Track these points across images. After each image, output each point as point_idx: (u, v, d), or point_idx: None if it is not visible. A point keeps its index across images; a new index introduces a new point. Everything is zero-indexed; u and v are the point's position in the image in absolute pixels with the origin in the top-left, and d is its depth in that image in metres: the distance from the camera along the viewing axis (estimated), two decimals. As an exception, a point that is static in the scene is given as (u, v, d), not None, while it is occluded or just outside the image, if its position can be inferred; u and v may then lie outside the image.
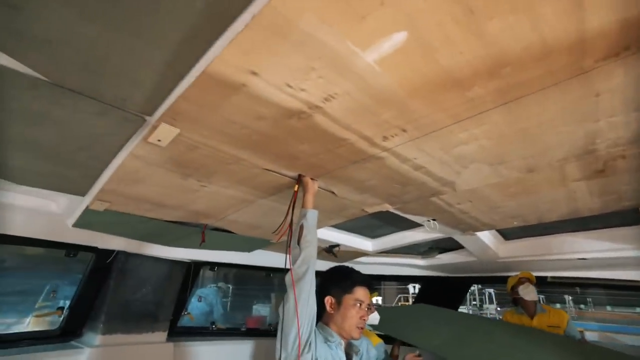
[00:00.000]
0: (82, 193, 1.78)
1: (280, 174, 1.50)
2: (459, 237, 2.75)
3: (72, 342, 2.54)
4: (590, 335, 10.01)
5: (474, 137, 1.17)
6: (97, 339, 2.49)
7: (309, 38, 0.77)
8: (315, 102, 0.97)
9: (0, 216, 1.95)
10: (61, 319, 2.59)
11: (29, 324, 3.01)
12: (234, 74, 0.87)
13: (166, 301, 2.90)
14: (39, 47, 0.86)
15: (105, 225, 2.16)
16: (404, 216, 2.29)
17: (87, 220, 1.98)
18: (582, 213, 2.12)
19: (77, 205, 1.90)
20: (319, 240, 2.78)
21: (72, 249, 2.38)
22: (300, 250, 1.34)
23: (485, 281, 4.52)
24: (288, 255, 1.36)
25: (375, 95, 0.94)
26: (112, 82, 0.99)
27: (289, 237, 1.43)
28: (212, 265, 3.21)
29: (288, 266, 1.35)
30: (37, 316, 2.99)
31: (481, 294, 10.72)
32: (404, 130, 1.11)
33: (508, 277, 2.95)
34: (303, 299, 1.27)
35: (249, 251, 3.04)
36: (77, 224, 2.05)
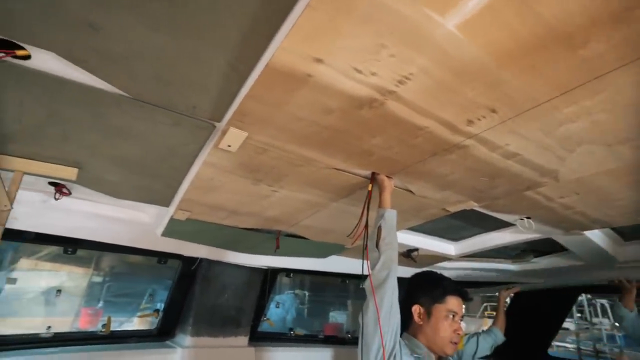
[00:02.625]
0: (167, 204, 1.91)
1: (352, 173, 1.41)
2: (561, 238, 2.36)
3: (167, 342, 2.75)
4: None
5: (586, 110, 0.95)
6: (187, 340, 2.66)
7: (376, 9, 0.67)
8: (388, 86, 0.87)
9: (107, 228, 2.19)
10: (157, 320, 2.84)
11: (135, 323, 3.38)
12: (298, 64, 0.82)
13: (246, 307, 3.00)
14: (117, 63, 0.91)
15: (188, 234, 2.29)
16: (491, 215, 2.03)
17: (172, 229, 2.12)
18: None
19: (163, 215, 2.05)
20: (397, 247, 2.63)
21: (163, 257, 2.59)
22: (379, 253, 1.24)
23: (597, 290, 3.85)
24: (366, 260, 1.26)
25: (458, 69, 0.80)
26: (182, 90, 1.01)
27: (365, 241, 1.33)
28: (287, 271, 3.24)
29: (366, 271, 1.25)
30: (140, 317, 3.34)
31: (590, 305, 9.18)
32: (493, 111, 0.95)
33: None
34: (385, 306, 1.16)
35: (323, 257, 3.00)
36: (164, 233, 2.21)
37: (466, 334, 2.39)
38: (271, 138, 1.16)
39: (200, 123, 1.16)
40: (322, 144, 1.18)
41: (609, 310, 8.74)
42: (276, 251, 2.40)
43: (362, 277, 1.25)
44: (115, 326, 2.75)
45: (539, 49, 0.75)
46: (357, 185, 1.50)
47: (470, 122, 1.00)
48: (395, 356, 1.13)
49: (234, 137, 1.14)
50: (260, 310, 3.16)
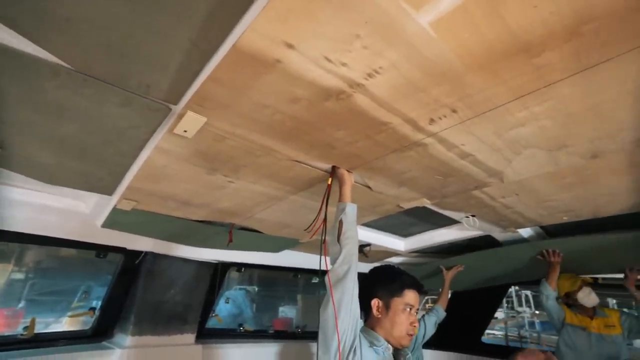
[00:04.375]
0: (110, 192, 1.75)
1: (312, 166, 1.39)
2: (499, 235, 2.56)
3: (104, 343, 2.54)
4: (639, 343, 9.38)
5: (534, 116, 1.02)
6: (127, 340, 2.48)
7: (354, -3, 0.66)
8: (357, 79, 0.87)
9: (37, 218, 1.95)
10: (93, 319, 2.60)
11: (64, 324, 3.07)
12: (268, 48, 0.78)
13: (194, 303, 2.87)
14: (58, 27, 0.80)
15: (132, 226, 2.13)
16: (440, 212, 2.14)
17: (115, 221, 1.95)
18: (645, 206, 1.91)
19: (105, 204, 1.88)
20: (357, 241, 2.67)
21: (102, 250, 2.38)
22: (340, 247, 1.24)
23: (524, 282, 4.26)
24: (324, 255, 1.26)
25: (428, 67, 0.82)
26: (135, 66, 0.91)
27: (323, 235, 1.33)
28: (239, 266, 3.15)
29: (325, 266, 1.25)
30: (71, 316, 3.04)
31: (517, 296, 10.20)
32: (454, 111, 0.98)
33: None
34: (346, 300, 1.17)
35: (276, 251, 2.96)
36: (105, 224, 2.03)
37: None
38: (232, 125, 1.11)
39: (154, 104, 1.07)
40: (285, 134, 1.15)
41: (531, 300, 9.78)
42: (229, 245, 2.32)
43: (316, 272, 1.25)
44: (40, 328, 2.47)
45: (502, 54, 0.79)
46: (317, 179, 1.49)
47: (432, 121, 1.03)
48: (355, 349, 1.14)
49: (191, 122, 1.07)
50: (208, 306, 3.04)
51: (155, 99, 1.05)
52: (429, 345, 3.30)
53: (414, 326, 1.26)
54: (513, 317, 10.33)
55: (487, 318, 3.90)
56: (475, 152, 1.23)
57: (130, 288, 2.61)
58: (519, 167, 1.39)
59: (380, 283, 1.31)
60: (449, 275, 2.95)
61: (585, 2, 0.66)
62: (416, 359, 2.65)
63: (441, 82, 0.87)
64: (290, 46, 0.78)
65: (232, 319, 5.06)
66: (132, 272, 2.57)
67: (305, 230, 1.50)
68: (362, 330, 1.25)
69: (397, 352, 1.29)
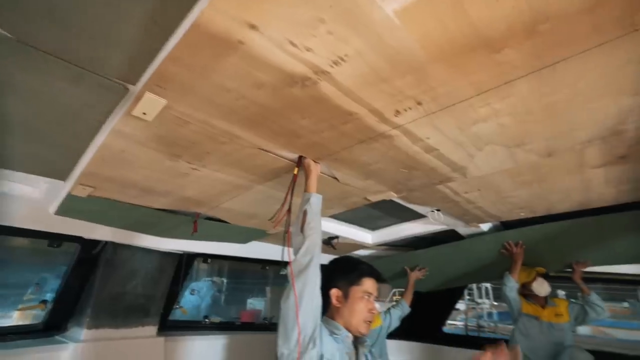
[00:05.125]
0: (63, 177, 1.64)
1: (278, 155, 1.37)
2: (462, 230, 2.65)
3: (57, 337, 2.40)
4: (583, 329, 10.14)
5: (495, 112, 1.05)
6: (82, 333, 2.36)
7: (318, -21, 0.64)
8: (322, 65, 0.85)
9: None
10: (45, 312, 2.46)
11: (14, 319, 2.89)
12: (229, 27, 0.75)
13: (157, 294, 2.78)
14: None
15: (89, 213, 2.02)
16: (406, 206, 2.18)
17: (69, 208, 1.84)
18: (593, 204, 2.04)
19: (58, 190, 1.76)
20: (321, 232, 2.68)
21: (55, 239, 2.24)
22: (304, 238, 1.23)
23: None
24: (287, 246, 1.25)
25: (392, 57, 0.82)
26: (86, 38, 0.85)
27: (287, 226, 1.31)
28: (205, 257, 3.08)
29: (287, 257, 1.24)
30: (21, 310, 2.87)
31: (478, 288, 10.71)
32: (419, 103, 0.99)
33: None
34: (308, 291, 1.16)
35: (244, 242, 2.92)
36: (59, 212, 1.91)
37: (380, 312, 2.76)
38: (194, 109, 1.06)
39: (109, 83, 1.01)
40: (250, 120, 1.12)
41: (490, 292, 10.32)
42: (193, 235, 2.26)
43: (283, 264, 1.24)
44: (-17, 323, 2.31)
45: (465, 47, 0.80)
46: (283, 169, 1.47)
47: (397, 112, 1.04)
48: (315, 339, 1.15)
49: (151, 104, 1.01)
50: (172, 297, 2.96)
51: (111, 77, 0.99)
52: (392, 335, 3.40)
53: (372, 313, 1.28)
54: (473, 308, 10.85)
55: (448, 309, 4.05)
56: (439, 146, 1.25)
57: (87, 279, 2.48)
58: (481, 163, 1.44)
59: (339, 273, 1.31)
60: (412, 276, 3.09)
61: (541, 1, 0.68)
62: (380, 349, 2.73)
63: (406, 73, 0.87)
64: (253, 27, 0.75)
65: (198, 311, 4.99)
66: (90, 262, 2.44)
67: (269, 220, 1.48)
68: (322, 320, 1.25)
69: (357, 340, 1.30)
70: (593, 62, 0.84)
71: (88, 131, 1.27)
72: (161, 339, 2.71)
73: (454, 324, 10.35)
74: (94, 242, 2.39)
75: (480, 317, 10.34)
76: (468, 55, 0.82)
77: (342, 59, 0.82)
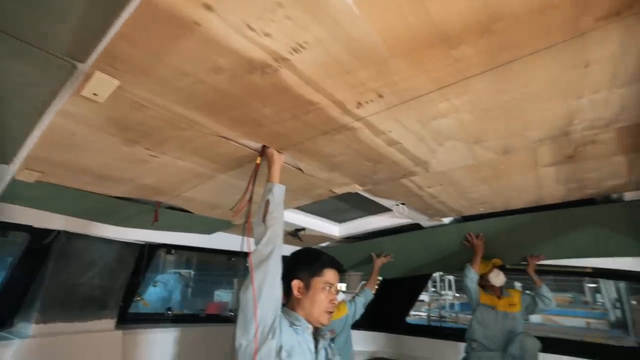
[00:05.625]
0: (6, 160, 1.53)
1: (241, 144, 1.34)
2: (426, 224, 2.73)
3: (0, 334, 2.25)
4: (535, 318, 10.89)
5: (455, 108, 1.08)
6: (30, 328, 2.22)
7: (275, -39, 0.62)
8: (282, 52, 0.83)
9: None
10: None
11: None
12: (184, 7, 0.71)
13: (116, 286, 2.66)
14: None
15: (38, 201, 1.90)
16: (372, 199, 2.21)
17: (15, 194, 1.72)
18: (545, 201, 2.15)
19: (1, 175, 1.64)
20: (285, 223, 2.67)
21: (0, 229, 2.09)
22: (265, 228, 1.22)
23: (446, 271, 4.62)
24: (247, 236, 1.23)
25: (353, 47, 0.81)
26: (25, 9, 0.78)
27: (247, 216, 1.29)
28: (168, 247, 2.99)
29: (247, 248, 1.22)
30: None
31: (441, 280, 11.15)
32: (380, 96, 1.00)
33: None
34: (268, 282, 1.15)
35: (209, 233, 2.86)
36: (3, 198, 1.78)
37: (345, 301, 2.82)
38: (151, 93, 1.01)
39: (55, 59, 0.93)
40: (210, 107, 1.08)
41: (453, 284, 10.78)
42: (154, 225, 2.18)
43: (244, 254, 1.22)
44: None
45: (424, 41, 0.80)
46: (247, 158, 1.44)
47: (359, 104, 1.04)
48: (275, 330, 1.14)
49: (102, 85, 0.95)
50: (132, 289, 2.85)
51: (56, 52, 0.91)
52: (357, 326, 3.47)
53: (333, 304, 1.28)
54: (437, 299, 11.30)
55: (411, 301, 4.18)
56: (401, 140, 1.27)
57: (37, 271, 2.33)
58: (442, 158, 1.47)
59: (301, 264, 1.31)
60: (378, 262, 3.11)
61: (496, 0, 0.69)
62: (346, 337, 2.77)
63: (367, 64, 0.87)
64: (208, 7, 0.72)
65: (162, 303, 4.86)
66: (40, 253, 2.30)
67: (230, 209, 1.45)
68: (282, 312, 1.25)
69: (317, 332, 1.31)
70: (543, 64, 0.87)
71: (33, 111, 1.18)
72: (119, 333, 2.61)
73: (418, 314, 10.75)
74: (45, 232, 2.25)
75: (442, 308, 10.81)
76: (428, 50, 0.83)
77: (301, 46, 0.81)
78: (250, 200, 1.34)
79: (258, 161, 1.36)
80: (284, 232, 2.53)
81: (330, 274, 1.29)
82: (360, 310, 2.92)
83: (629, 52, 0.84)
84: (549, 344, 2.95)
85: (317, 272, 1.28)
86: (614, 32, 0.77)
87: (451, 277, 10.75)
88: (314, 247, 1.50)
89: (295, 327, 1.22)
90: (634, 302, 8.53)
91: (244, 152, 1.40)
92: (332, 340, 2.69)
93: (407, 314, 4.14)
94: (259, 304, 1.12)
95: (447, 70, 0.89)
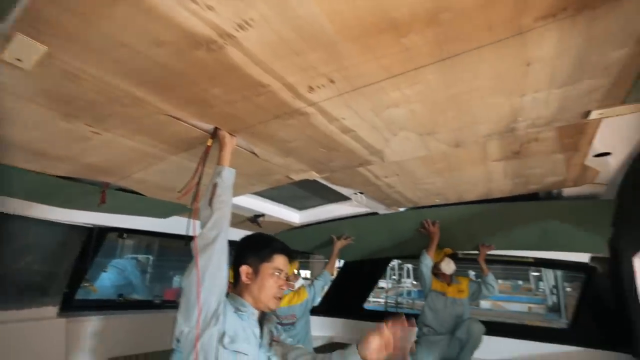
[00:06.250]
0: None
1: (192, 125, 1.28)
2: (383, 213, 2.79)
3: None
4: (484, 304, 11.70)
5: (406, 98, 1.09)
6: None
7: None
8: (227, 28, 0.79)
9: None
10: None
11: None
12: (113, -33, 0.65)
13: (59, 271, 2.51)
14: None
15: (-34, 177, 1.73)
16: (331, 187, 2.22)
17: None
18: (494, 195, 2.26)
19: None
20: (242, 208, 2.62)
21: None
22: (211, 211, 1.19)
23: (402, 256, 4.79)
24: (194, 219, 1.20)
25: (300, 27, 0.79)
26: None
27: (195, 198, 1.25)
28: (120, 231, 2.84)
29: (194, 231, 1.19)
30: None
31: (400, 269, 11.58)
32: (332, 81, 0.99)
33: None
34: (213, 266, 1.13)
35: (164, 217, 2.75)
36: None
37: (305, 286, 2.86)
38: (86, 63, 0.94)
39: (-32, 17, 0.83)
40: (155, 83, 1.02)
41: (411, 273, 11.24)
42: (101, 207, 2.06)
43: (188, 238, 1.18)
44: None
45: (373, 27, 0.79)
46: (199, 140, 1.38)
47: (311, 89, 1.02)
48: (218, 317, 1.12)
49: (25, 49, 0.86)
50: (79, 275, 2.69)
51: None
52: (316, 312, 3.53)
53: (282, 289, 1.28)
54: (399, 287, 11.76)
55: (369, 288, 4.30)
56: (355, 128, 1.27)
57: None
58: (396, 148, 1.50)
59: (250, 250, 1.30)
60: (337, 245, 3.16)
61: None
62: (305, 322, 2.81)
63: (316, 47, 0.85)
64: (142, -29, 0.66)
65: (116, 289, 4.66)
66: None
67: (177, 191, 1.40)
68: (229, 297, 1.23)
69: (263, 317, 1.31)
70: (488, 59, 0.89)
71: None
72: (62, 320, 2.47)
73: (378, 301, 11.14)
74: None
75: (400, 295, 11.27)
76: (377, 36, 0.82)
77: (247, 23, 0.77)
78: (198, 183, 1.30)
79: (209, 143, 1.31)
80: (242, 218, 2.50)
81: (280, 260, 1.29)
82: (319, 293, 2.97)
83: (565, 54, 0.89)
84: (494, 328, 3.17)
85: (267, 258, 1.27)
86: (551, 33, 0.81)
87: (410, 266, 11.19)
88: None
89: (240, 313, 1.21)
90: (568, 289, 9.35)
91: (195, 134, 1.35)
92: (293, 324, 2.73)
93: (364, 300, 4.26)
94: (202, 289, 1.10)
95: (398, 58, 0.89)
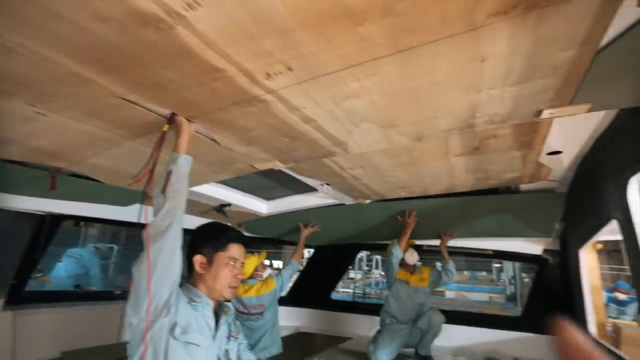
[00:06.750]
0: None
1: (147, 109, 1.22)
2: (351, 204, 2.82)
3: None
4: (449, 294, 12.22)
5: (366, 89, 1.08)
6: None
7: None
8: (175, 6, 0.75)
9: None
10: None
11: None
12: None
13: (6, 262, 2.36)
14: None
15: None
16: (298, 178, 2.21)
17: None
18: (457, 189, 2.33)
19: None
20: (208, 197, 2.56)
21: None
22: (164, 199, 1.14)
23: (371, 248, 4.87)
24: (145, 206, 1.15)
25: (254, 12, 0.76)
26: None
27: (148, 185, 1.20)
28: (75, 219, 2.71)
29: (145, 219, 1.14)
30: None
31: (369, 260, 11.81)
32: (290, 69, 0.96)
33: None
34: (164, 256, 1.09)
35: (124, 205, 2.64)
36: None
37: (272, 275, 2.84)
38: (21, 36, 0.86)
39: None
40: (103, 63, 0.96)
41: (380, 264, 11.50)
42: (52, 193, 1.95)
43: (139, 225, 1.14)
44: None
45: (328, 15, 0.78)
46: (156, 125, 1.32)
47: (268, 76, 0.99)
48: (170, 307, 1.09)
49: (-54, 15, 0.78)
50: (29, 265, 2.54)
51: None
52: (284, 302, 3.54)
53: (238, 279, 1.26)
54: (368, 277, 12.01)
55: (337, 278, 4.36)
56: (317, 118, 1.26)
57: None
58: (359, 140, 1.50)
59: (204, 239, 1.26)
60: (304, 232, 3.17)
61: None
62: (273, 311, 2.80)
63: (271, 33, 0.82)
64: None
65: (74, 280, 4.44)
66: None
67: (131, 178, 1.34)
68: (183, 288, 1.20)
69: (220, 308, 1.29)
70: (444, 54, 0.90)
71: None
72: (8, 314, 2.33)
73: (347, 291, 11.35)
74: None
75: (369, 285, 11.54)
76: (333, 24, 0.80)
77: (196, 3, 0.73)
78: (152, 169, 1.25)
79: (165, 129, 1.26)
80: (208, 207, 2.43)
81: (235, 249, 1.26)
82: (287, 282, 2.97)
83: (517, 53, 0.91)
84: (454, 316, 3.32)
85: (222, 247, 1.24)
86: (503, 31, 0.82)
87: (378, 257, 11.44)
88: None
89: (193, 303, 1.18)
90: (526, 280, 9.93)
91: (152, 118, 1.29)
92: (262, 314, 2.71)
93: (332, 290, 4.31)
94: (152, 279, 1.06)
95: (355, 48, 0.88)
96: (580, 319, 2.59)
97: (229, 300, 1.29)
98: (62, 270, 4.14)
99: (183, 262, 1.18)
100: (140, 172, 1.27)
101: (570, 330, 0.22)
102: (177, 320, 1.09)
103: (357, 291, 10.89)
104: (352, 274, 12.43)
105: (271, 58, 0.91)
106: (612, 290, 5.27)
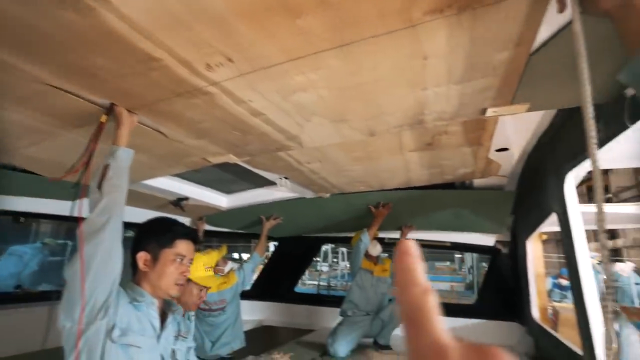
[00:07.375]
0: None
1: (83, 98, 1.14)
2: (311, 198, 2.81)
3: None
4: (415, 285, 12.64)
5: (312, 83, 1.07)
6: None
7: None
8: None
9: None
10: None
11: None
12: None
13: None
14: None
15: None
16: (257, 172, 2.17)
17: None
18: (414, 183, 2.38)
19: None
20: (163, 191, 2.46)
21: None
22: (101, 195, 1.08)
23: (336, 240, 4.91)
24: (79, 201, 1.08)
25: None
26: None
27: (80, 179, 1.13)
28: (15, 215, 2.51)
29: (79, 214, 1.08)
30: None
31: (335, 252, 11.96)
32: (231, 60, 0.93)
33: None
34: (101, 255, 1.03)
35: (72, 200, 2.47)
36: None
37: (234, 270, 2.80)
38: None
39: None
40: (22, 45, 0.88)
41: (345, 256, 11.68)
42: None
43: (73, 219, 1.07)
44: None
45: (265, 7, 0.75)
46: (93, 116, 1.24)
47: (209, 67, 0.95)
48: (108, 309, 1.03)
49: None
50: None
51: None
52: (246, 296, 3.50)
53: (184, 276, 1.22)
54: (335, 269, 12.17)
55: (300, 271, 4.37)
56: (265, 111, 1.23)
57: None
58: (312, 134, 1.48)
59: (150, 235, 1.20)
60: (267, 225, 3.14)
61: None
62: (235, 306, 2.76)
63: (207, 22, 0.78)
64: None
65: (14, 280, 4.11)
66: None
67: (65, 172, 1.25)
68: (126, 287, 1.14)
69: (167, 306, 1.24)
70: (385, 50, 0.90)
71: None
72: None
73: (314, 283, 11.44)
74: None
75: (334, 277, 11.70)
76: (271, 16, 0.78)
77: (119, -16, 0.68)
78: (88, 162, 1.17)
79: (103, 119, 1.18)
80: (164, 201, 2.33)
81: (182, 246, 1.21)
82: (249, 276, 2.93)
83: (457, 52, 0.93)
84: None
85: (168, 243, 1.19)
86: (441, 29, 0.83)
87: (344, 249, 11.60)
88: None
89: (136, 303, 1.12)
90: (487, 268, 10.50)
91: (88, 108, 1.20)
92: (223, 309, 2.65)
93: (296, 283, 4.32)
94: (87, 280, 1.00)
95: (296, 41, 0.86)
96: (526, 303, 2.76)
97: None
98: (3, 269, 3.83)
99: (126, 259, 1.13)
100: (76, 165, 1.19)
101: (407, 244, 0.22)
102: (116, 322, 1.04)
103: (321, 283, 11.01)
104: (318, 267, 12.55)
105: (209, 48, 0.87)
106: (557, 276, 5.67)
